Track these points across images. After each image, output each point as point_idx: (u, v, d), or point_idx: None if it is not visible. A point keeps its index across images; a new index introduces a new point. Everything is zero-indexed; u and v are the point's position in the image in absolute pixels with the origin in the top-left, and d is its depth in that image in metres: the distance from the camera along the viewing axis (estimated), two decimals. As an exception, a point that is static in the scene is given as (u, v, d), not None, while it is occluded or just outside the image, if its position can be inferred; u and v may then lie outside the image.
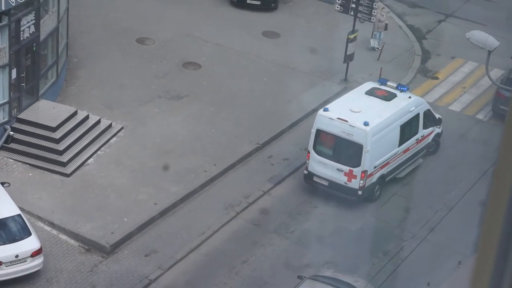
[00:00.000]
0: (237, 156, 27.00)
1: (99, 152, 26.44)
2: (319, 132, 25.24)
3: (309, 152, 25.56)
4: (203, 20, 34.71)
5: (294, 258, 23.63)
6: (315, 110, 28.93)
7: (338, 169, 25.11)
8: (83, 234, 23.16)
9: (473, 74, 33.58)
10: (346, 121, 24.76)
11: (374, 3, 31.00)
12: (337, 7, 31.92)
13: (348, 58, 31.19)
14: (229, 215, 24.92)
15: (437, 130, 28.10)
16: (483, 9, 38.20)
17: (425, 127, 27.23)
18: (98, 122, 27.09)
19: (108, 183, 25.20)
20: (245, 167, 26.90)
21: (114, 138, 27.09)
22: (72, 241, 23.12)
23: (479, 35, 23.80)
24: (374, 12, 31.25)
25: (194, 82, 30.56)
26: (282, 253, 23.80)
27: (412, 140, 26.71)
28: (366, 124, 24.59)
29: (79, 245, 23.05)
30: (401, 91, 26.79)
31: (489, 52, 23.30)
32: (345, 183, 25.08)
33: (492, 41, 23.16)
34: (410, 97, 26.75)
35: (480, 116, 30.89)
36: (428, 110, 27.38)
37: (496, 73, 32.42)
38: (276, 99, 30.11)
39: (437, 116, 28.11)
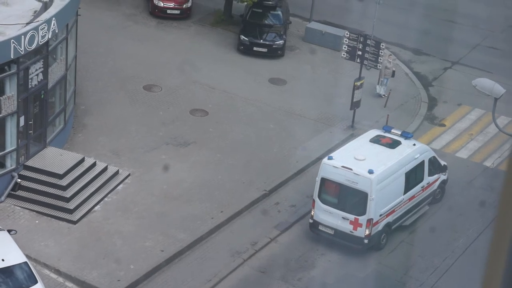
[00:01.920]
0: (244, 202, 26.97)
1: (106, 199, 26.45)
2: (323, 180, 25.19)
3: (314, 201, 25.49)
4: (210, 67, 34.90)
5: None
6: (322, 157, 28.96)
7: (343, 218, 25.00)
8: (89, 282, 23.07)
9: (480, 121, 33.61)
10: (351, 169, 24.68)
11: (381, 50, 31.17)
12: (344, 54, 32.10)
13: (355, 105, 31.27)
14: (236, 262, 24.82)
15: (443, 177, 28.02)
16: (489, 57, 38.36)
17: (430, 174, 27.14)
18: (105, 169, 27.13)
19: (114, 230, 25.16)
20: (252, 213, 26.85)
21: (121, 185, 27.11)
22: (78, 289, 23.01)
23: (485, 83, 23.85)
24: (381, 59, 31.40)
25: (201, 128, 30.65)
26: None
27: (418, 187, 26.62)
28: (370, 172, 24.51)
29: (85, 293, 22.94)
30: (406, 138, 26.79)
31: (496, 99, 23.34)
32: (350, 231, 24.94)
33: (498, 88, 23.21)
34: (414, 144, 26.72)
35: (487, 164, 30.84)
36: (434, 157, 27.34)
37: (503, 120, 32.46)
38: (282, 146, 30.15)
39: (443, 163, 28.06)
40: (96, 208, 26.00)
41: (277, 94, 33.65)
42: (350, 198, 24.99)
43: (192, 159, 28.88)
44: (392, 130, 27.11)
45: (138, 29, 37.59)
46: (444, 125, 33.27)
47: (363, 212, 24.73)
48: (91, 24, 36.00)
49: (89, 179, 26.44)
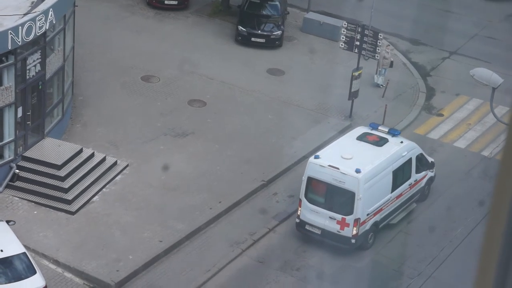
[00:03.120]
0: (242, 193, 26.99)
1: (104, 189, 26.46)
2: (310, 179, 24.77)
3: (300, 200, 25.11)
4: (208, 58, 34.89)
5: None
6: (320, 147, 28.98)
7: (330, 217, 24.62)
8: (88, 272, 23.10)
9: (477, 111, 33.63)
10: (338, 168, 24.32)
11: (378, 41, 31.16)
12: (342, 45, 32.10)
13: (353, 95, 31.28)
14: (234, 252, 24.86)
15: (430, 174, 27.60)
16: (486, 46, 38.37)
17: (418, 171, 26.76)
18: (104, 159, 27.14)
19: (113, 220, 25.19)
20: (250, 204, 26.88)
21: (119, 176, 27.12)
22: (77, 279, 23.06)
23: (483, 72, 23.87)
24: (379, 49, 31.40)
25: (199, 119, 30.65)
26: (287, 291, 23.70)
27: (405, 185, 26.25)
28: (358, 171, 24.14)
29: (84, 283, 22.99)
30: (393, 135, 26.35)
31: (493, 89, 23.36)
32: (337, 231, 24.53)
33: (496, 78, 23.23)
34: (402, 142, 26.30)
35: (485, 153, 30.87)
36: (421, 154, 26.92)
37: (501, 110, 32.47)
38: (281, 136, 30.17)
39: (430, 160, 27.65)
40: (94, 198, 26.02)
41: (275, 84, 33.65)
42: (337, 198, 24.60)
43: (190, 149, 28.89)
44: (379, 128, 26.69)
45: (136, 20, 37.56)
46: (442, 115, 33.29)
47: (350, 212, 24.35)
48: (89, 15, 35.97)
49: (87, 169, 26.46)
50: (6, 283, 21.09)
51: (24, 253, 21.71)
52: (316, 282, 23.93)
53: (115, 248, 24.05)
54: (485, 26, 40.33)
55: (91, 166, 26.65)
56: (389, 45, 35.46)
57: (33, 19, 24.70)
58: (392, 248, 25.71)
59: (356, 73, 30.95)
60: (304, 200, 24.99)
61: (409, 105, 33.53)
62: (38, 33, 24.96)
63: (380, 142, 25.91)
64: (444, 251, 25.66)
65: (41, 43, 25.90)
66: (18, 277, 21.27)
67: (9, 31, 23.98)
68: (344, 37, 31.83)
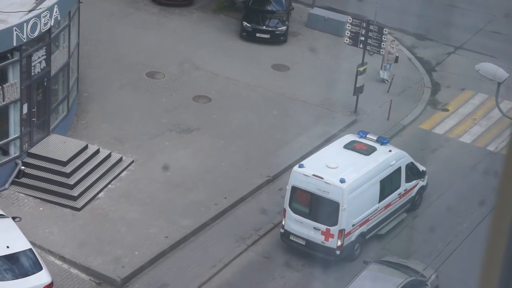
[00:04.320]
0: (248, 189, 27.00)
1: (109, 186, 26.50)
2: (294, 189, 24.11)
3: (285, 210, 24.51)
4: (213, 54, 34.89)
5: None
6: (326, 142, 29.00)
7: (315, 228, 24.01)
8: (94, 268, 23.14)
9: (483, 106, 33.59)
10: (322, 178, 23.65)
11: (383, 36, 31.12)
12: (346, 40, 32.07)
13: (358, 91, 31.26)
14: (240, 248, 24.87)
15: (421, 183, 26.93)
16: (492, 41, 38.30)
17: (408, 180, 26.13)
18: (109, 156, 27.17)
19: (118, 216, 25.22)
20: (255, 199, 26.89)
21: (124, 172, 27.15)
22: (83, 275, 23.10)
23: (488, 67, 23.82)
24: (384, 44, 31.36)
25: (204, 115, 30.66)
26: (293, 286, 23.70)
27: (394, 195, 25.61)
28: (342, 181, 23.51)
29: (90, 279, 23.03)
30: (382, 144, 25.69)
31: (499, 84, 23.32)
32: (322, 242, 23.94)
33: (501, 73, 23.18)
34: (390, 151, 25.61)
35: (490, 148, 30.83)
36: (411, 163, 26.29)
37: (506, 104, 32.43)
38: (286, 132, 30.16)
39: (421, 168, 27.01)
40: (100, 195, 26.05)
41: (280, 80, 33.64)
42: (322, 208, 23.91)
43: (195, 145, 28.90)
44: (368, 136, 25.93)
45: (140, 16, 37.56)
46: (447, 110, 33.26)
47: (334, 223, 23.72)
48: (93, 11, 35.97)
49: (92, 166, 26.49)
50: (12, 279, 21.13)
51: (30, 249, 21.75)
52: (321, 277, 23.92)
53: (121, 244, 24.08)
54: (490, 21, 40.24)
55: (97, 163, 26.68)
56: (394, 40, 35.41)
57: (38, 16, 24.72)
58: (397, 243, 25.69)
59: (361, 69, 30.93)
60: (288, 210, 24.35)
61: (414, 100, 33.50)
62: (43, 29, 24.99)
63: (367, 150, 25.19)
64: (449, 246, 25.60)
65: (46, 40, 25.93)
66: (25, 273, 21.30)
67: (14, 28, 24.01)
68: (349, 32, 31.79)
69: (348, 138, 26.11)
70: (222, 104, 31.53)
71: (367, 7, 38.63)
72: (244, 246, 24.96)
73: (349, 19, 32.01)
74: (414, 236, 26.08)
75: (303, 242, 24.27)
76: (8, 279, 21.10)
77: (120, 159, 27.37)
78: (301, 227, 24.16)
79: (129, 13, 37.76)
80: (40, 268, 21.47)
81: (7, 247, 21.55)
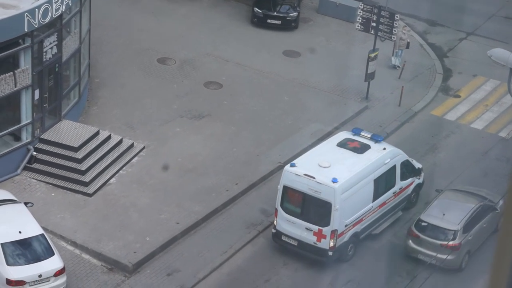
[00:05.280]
0: (259, 175, 27.01)
1: (121, 171, 26.55)
2: (286, 188, 23.58)
3: (276, 210, 23.99)
4: (224, 40, 34.84)
5: (317, 276, 23.57)
6: (337, 129, 28.97)
7: (307, 228, 23.47)
8: (105, 254, 23.22)
9: (495, 92, 33.47)
10: (314, 177, 23.12)
11: (395, 22, 31.02)
12: (358, 26, 31.96)
13: (369, 77, 31.19)
14: (251, 234, 24.90)
15: (418, 181, 26.29)
16: (504, 27, 38.11)
17: (403, 178, 25.49)
18: (120, 142, 27.21)
19: (130, 202, 25.28)
20: (266, 186, 26.89)
21: (136, 158, 27.19)
22: (94, 261, 23.18)
23: (500, 53, 23.73)
24: (395, 30, 31.25)
25: (215, 101, 30.65)
26: (305, 272, 23.73)
27: (389, 193, 24.97)
28: (334, 181, 22.96)
29: (101, 265, 23.11)
30: (376, 141, 25.04)
31: (511, 69, 23.21)
32: (314, 243, 23.42)
33: (514, 58, 23.08)
34: (385, 149, 24.94)
35: (502, 134, 30.74)
36: (407, 160, 25.66)
37: (518, 90, 32.28)
38: (297, 118, 30.13)
39: (418, 166, 26.42)
40: (111, 180, 26.11)
41: (291, 66, 33.59)
42: (314, 208, 23.40)
43: (206, 131, 28.91)
44: (362, 133, 25.30)
45: (151, 2, 37.50)
46: (459, 96, 33.15)
47: (327, 223, 23.19)
48: (105, -3, 35.95)
49: (104, 152, 26.54)
50: (25, 264, 21.24)
51: (42, 234, 21.84)
52: (333, 264, 23.92)
53: (132, 229, 24.15)
54: (502, 6, 40.03)
55: (108, 148, 26.73)
56: (405, 26, 35.28)
57: (50, 2, 24.72)
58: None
59: (373, 55, 30.84)
60: (280, 210, 23.83)
61: (426, 87, 33.40)
62: (54, 15, 25.00)
63: (361, 149, 24.60)
64: (461, 233, 25.59)
65: (58, 26, 25.94)
66: (37, 258, 21.40)
67: (26, 14, 24.02)
68: (360, 18, 31.69)
69: (342, 135, 25.50)
70: (233, 90, 31.51)
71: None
72: (255, 232, 24.99)
73: (361, 5, 31.90)
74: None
75: (295, 243, 23.73)
76: (20, 264, 21.21)
77: (132, 145, 27.40)
78: (293, 227, 23.64)
79: (140, -1, 37.70)
80: (52, 253, 21.56)
81: (20, 232, 21.65)
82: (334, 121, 29.97)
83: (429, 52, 36.04)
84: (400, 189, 25.49)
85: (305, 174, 23.31)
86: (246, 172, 27.05)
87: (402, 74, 33.51)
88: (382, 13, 31.18)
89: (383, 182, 24.70)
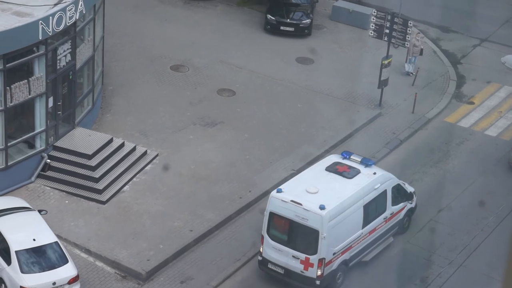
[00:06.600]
0: (272, 182, 26.98)
1: (134, 179, 26.59)
2: (272, 215, 22.73)
3: (262, 236, 23.14)
4: (237, 47, 34.89)
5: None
6: (350, 136, 28.95)
7: (293, 256, 22.62)
8: (119, 261, 23.25)
9: (509, 99, 33.38)
10: (300, 204, 22.28)
11: (408, 28, 30.98)
12: (371, 33, 31.94)
13: (383, 84, 31.16)
14: (264, 241, 24.86)
15: (410, 205, 25.45)
16: (518, 33, 38.02)
17: (395, 203, 24.64)
18: (134, 149, 27.26)
19: (143, 210, 25.31)
20: (280, 193, 26.83)
21: (149, 165, 27.23)
22: (108, 268, 23.21)
23: (514, 60, 23.66)
24: (408, 37, 31.22)
25: (228, 108, 30.68)
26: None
27: (380, 219, 24.11)
28: (322, 207, 22.06)
29: (115, 272, 23.13)
30: (366, 166, 24.21)
31: (525, 76, 23.16)
32: (301, 271, 22.57)
33: (528, 65, 23.03)
34: (375, 173, 24.05)
35: (516, 141, 30.66)
36: (398, 185, 24.80)
37: (532, 97, 32.21)
38: (310, 125, 30.12)
39: (410, 190, 25.58)
40: (125, 188, 26.15)
41: (304, 73, 33.59)
42: (301, 236, 22.51)
43: (219, 139, 28.93)
44: (352, 157, 24.51)
45: (165, 9, 37.62)
46: (472, 103, 33.07)
47: (314, 251, 22.32)
48: (118, 4, 36.09)
49: (117, 159, 26.59)
50: (39, 272, 21.28)
51: (56, 242, 21.88)
52: (346, 271, 23.85)
53: (146, 237, 24.17)
54: (516, 13, 39.95)
55: (121, 156, 26.78)
56: (419, 33, 35.24)
57: (64, 9, 24.81)
58: (422, 236, 25.59)
59: (386, 61, 30.81)
60: (266, 237, 22.98)
61: (439, 93, 33.33)
62: (68, 23, 25.09)
63: (350, 173, 23.81)
64: (475, 240, 25.52)
65: (71, 33, 26.03)
66: (51, 266, 21.44)
67: (40, 22, 24.12)
68: (373, 25, 31.67)
69: (331, 159, 24.73)
70: (247, 97, 31.53)
71: (392, -1, 38.45)
72: (269, 239, 24.94)
73: (374, 12, 31.89)
74: (439, 230, 25.96)
75: (281, 271, 22.95)
76: (34, 272, 21.25)
77: (145, 153, 27.45)
78: (280, 255, 22.84)
79: (153, 6, 37.82)
80: (66, 261, 21.60)
81: (34, 240, 21.70)
82: (347, 128, 29.95)
83: (443, 59, 35.98)
84: (391, 214, 24.64)
85: (291, 201, 22.47)
86: (259, 179, 27.04)
87: (416, 81, 33.46)
88: (396, 19, 31.16)
89: (373, 208, 23.82)
